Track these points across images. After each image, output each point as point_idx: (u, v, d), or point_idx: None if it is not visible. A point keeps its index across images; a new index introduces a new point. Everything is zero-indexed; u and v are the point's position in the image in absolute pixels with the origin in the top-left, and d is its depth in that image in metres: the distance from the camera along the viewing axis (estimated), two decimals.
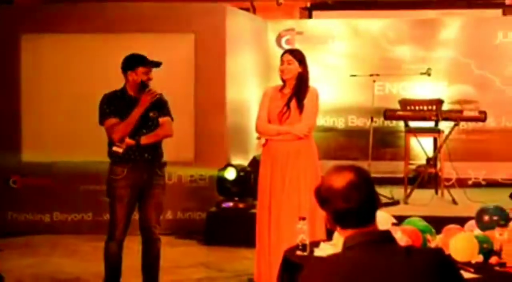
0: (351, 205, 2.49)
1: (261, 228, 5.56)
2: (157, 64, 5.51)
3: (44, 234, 8.33)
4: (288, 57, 5.53)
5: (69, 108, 8.44)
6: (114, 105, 5.42)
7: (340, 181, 2.52)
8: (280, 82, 5.72)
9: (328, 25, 10.32)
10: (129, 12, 8.60)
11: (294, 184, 5.45)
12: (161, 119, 5.52)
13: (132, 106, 5.38)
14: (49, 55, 8.66)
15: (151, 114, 5.47)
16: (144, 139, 5.41)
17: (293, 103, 5.50)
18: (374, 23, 10.25)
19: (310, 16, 10.69)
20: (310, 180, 5.32)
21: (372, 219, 2.55)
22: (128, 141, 5.35)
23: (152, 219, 5.50)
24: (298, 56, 5.56)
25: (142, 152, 5.43)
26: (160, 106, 5.55)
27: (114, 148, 5.37)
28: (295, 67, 5.49)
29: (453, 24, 10.03)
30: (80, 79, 8.49)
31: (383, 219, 3.88)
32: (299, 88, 5.52)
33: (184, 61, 8.56)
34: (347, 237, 2.58)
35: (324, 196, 2.56)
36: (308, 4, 10.64)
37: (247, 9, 10.06)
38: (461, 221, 4.23)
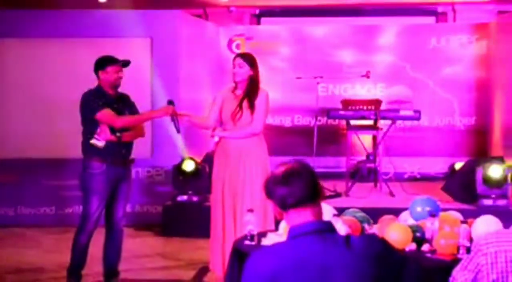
0: (292, 189, 2.56)
1: (215, 220, 5.53)
2: (126, 63, 5.51)
3: (9, 227, 8.23)
4: (239, 60, 5.48)
5: (32, 109, 8.36)
6: (102, 100, 5.36)
7: (281, 169, 2.61)
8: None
9: (276, 31, 10.36)
10: (90, 18, 8.54)
11: (247, 178, 5.44)
12: None
13: (112, 104, 5.38)
14: (12, 59, 8.56)
15: (127, 113, 5.47)
16: (125, 137, 5.43)
17: (245, 104, 5.46)
18: (318, 29, 10.30)
19: (259, 23, 10.70)
20: (261, 174, 5.29)
21: (313, 201, 2.59)
22: (111, 136, 5.31)
23: (120, 212, 5.50)
24: (249, 60, 5.52)
25: (121, 148, 5.42)
26: (132, 106, 5.60)
27: (93, 141, 5.30)
28: (246, 70, 5.44)
29: (390, 30, 10.13)
30: (42, 82, 8.42)
31: (325, 210, 3.90)
32: (250, 90, 5.47)
33: (141, 64, 8.53)
34: (291, 226, 2.62)
35: (268, 186, 2.62)
36: (257, 11, 10.64)
37: (200, 16, 10.04)
38: (397, 212, 4.26)
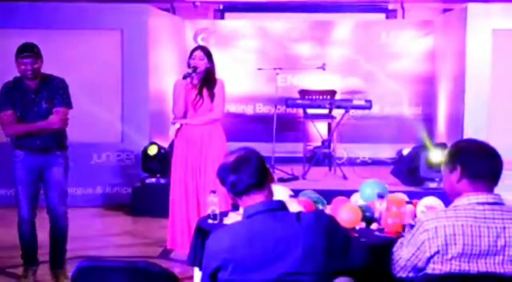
0: (241, 176, 2.62)
1: (178, 201, 5.64)
2: (30, 55, 4.98)
3: None
4: (200, 53, 5.58)
5: None
6: (11, 95, 5.06)
7: (230, 158, 2.67)
8: None
9: (239, 25, 10.35)
10: (63, 11, 8.45)
11: (209, 161, 5.52)
12: (54, 110, 5.07)
13: (28, 95, 5.04)
14: None
15: (44, 105, 5.06)
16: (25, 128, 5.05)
17: (205, 93, 5.59)
18: (278, 24, 10.32)
19: (222, 17, 10.69)
20: (221, 157, 5.26)
21: (262, 187, 2.65)
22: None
23: (54, 199, 5.18)
24: (208, 53, 5.63)
25: (34, 139, 5.07)
26: (57, 95, 5.09)
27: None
28: (205, 62, 5.55)
29: (345, 25, 10.18)
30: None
31: (282, 191, 3.95)
32: (208, 80, 5.59)
33: (112, 55, 8.50)
34: (246, 207, 2.67)
35: (220, 174, 2.69)
36: (221, 7, 10.63)
37: (167, 10, 10.00)
38: (350, 194, 4.29)
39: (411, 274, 2.80)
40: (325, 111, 8.86)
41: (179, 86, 5.65)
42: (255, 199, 2.63)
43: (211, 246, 2.61)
